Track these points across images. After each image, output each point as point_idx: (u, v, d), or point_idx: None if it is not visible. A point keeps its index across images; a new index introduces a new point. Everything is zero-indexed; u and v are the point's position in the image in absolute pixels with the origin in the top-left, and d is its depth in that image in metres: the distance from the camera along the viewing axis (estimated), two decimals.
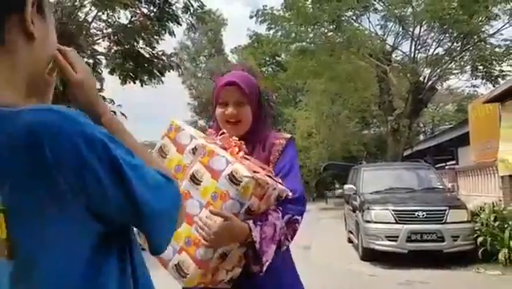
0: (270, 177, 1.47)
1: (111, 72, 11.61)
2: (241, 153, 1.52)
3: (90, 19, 10.92)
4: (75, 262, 0.74)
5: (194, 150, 1.48)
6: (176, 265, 1.40)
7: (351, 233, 9.64)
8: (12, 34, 0.78)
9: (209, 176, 1.41)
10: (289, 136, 1.75)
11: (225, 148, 1.51)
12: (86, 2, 10.49)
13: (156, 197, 0.79)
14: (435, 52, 17.32)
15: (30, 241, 0.72)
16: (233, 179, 1.36)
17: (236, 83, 1.65)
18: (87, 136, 0.72)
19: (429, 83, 16.86)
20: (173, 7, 10.97)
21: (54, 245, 0.72)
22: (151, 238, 0.83)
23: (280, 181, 1.52)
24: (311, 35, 17.56)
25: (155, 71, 11.17)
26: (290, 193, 1.52)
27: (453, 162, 16.00)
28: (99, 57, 11.37)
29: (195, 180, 1.44)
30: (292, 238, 1.54)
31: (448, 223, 7.51)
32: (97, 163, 0.72)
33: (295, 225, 1.55)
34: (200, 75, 34.16)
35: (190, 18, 11.60)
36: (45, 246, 0.72)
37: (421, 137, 28.57)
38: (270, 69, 32.80)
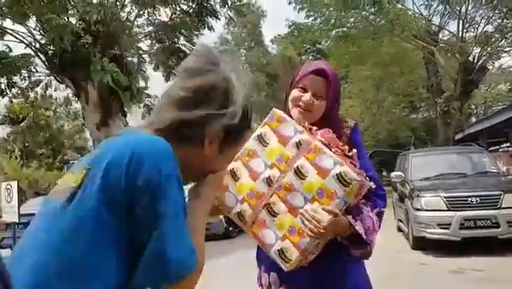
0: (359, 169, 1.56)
1: (155, 69, 11.87)
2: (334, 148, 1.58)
3: (132, 18, 11.19)
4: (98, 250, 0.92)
5: (299, 144, 1.53)
6: (279, 250, 1.52)
7: (401, 221, 9.41)
8: (195, 145, 1.08)
9: (315, 172, 1.50)
10: (354, 122, 1.79)
11: (326, 145, 1.56)
12: (127, 2, 10.75)
13: (176, 247, 0.94)
14: (484, 30, 16.53)
15: (86, 206, 0.92)
16: (341, 180, 1.47)
17: (325, 75, 1.67)
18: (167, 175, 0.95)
19: (479, 62, 16.11)
20: (211, 2, 11.05)
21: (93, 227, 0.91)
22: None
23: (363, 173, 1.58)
24: (352, 20, 17.17)
25: None
26: (374, 186, 1.59)
27: (508, 144, 15.25)
28: (143, 56, 11.66)
29: (300, 174, 1.51)
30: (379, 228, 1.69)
31: (503, 208, 7.16)
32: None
33: (382, 217, 1.68)
34: (240, 67, 34.22)
35: (229, 12, 11.65)
36: (90, 220, 0.92)
37: (473, 120, 27.40)
38: (310, 57, 32.36)
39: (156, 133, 1.03)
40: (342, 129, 1.72)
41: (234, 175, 1.55)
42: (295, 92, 1.68)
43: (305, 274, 1.62)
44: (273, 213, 1.53)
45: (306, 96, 1.66)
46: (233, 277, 6.34)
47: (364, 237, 1.56)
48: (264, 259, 1.73)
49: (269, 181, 1.54)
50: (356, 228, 1.55)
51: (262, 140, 1.57)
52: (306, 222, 1.49)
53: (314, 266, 1.59)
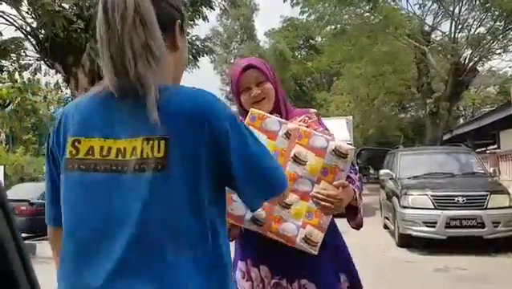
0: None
1: None
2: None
3: None
4: (195, 198, 1.00)
5: (288, 134, 1.60)
6: (304, 238, 1.56)
7: (387, 219, 9.50)
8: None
9: (313, 154, 1.57)
10: (314, 110, 1.88)
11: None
12: None
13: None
14: (476, 32, 16.65)
15: (178, 166, 0.98)
16: (339, 153, 1.56)
17: (252, 65, 1.76)
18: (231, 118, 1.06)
19: (470, 64, 16.24)
20: None
21: (187, 179, 0.98)
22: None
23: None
24: (346, 17, 17.19)
25: (189, 56, 11.23)
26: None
27: (495, 146, 15.43)
28: None
29: (299, 161, 1.57)
30: None
31: (488, 209, 7.27)
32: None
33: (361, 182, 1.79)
34: (232, 60, 34.06)
35: (223, 2, 11.57)
36: (183, 175, 0.98)
37: (461, 121, 27.66)
38: (303, 52, 32.36)
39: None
40: (309, 115, 1.80)
41: None
42: (244, 96, 1.76)
43: (295, 263, 1.65)
44: (286, 206, 1.57)
45: (254, 91, 1.73)
46: None
47: (360, 206, 1.69)
48: (250, 254, 1.74)
49: None
50: (356, 195, 1.66)
51: None
52: (324, 202, 1.55)
53: (302, 257, 1.63)
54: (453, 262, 6.55)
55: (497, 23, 15.93)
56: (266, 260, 1.70)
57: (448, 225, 7.30)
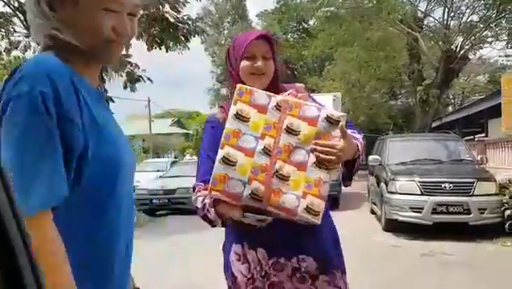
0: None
1: (138, 37, 11.54)
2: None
3: None
4: None
5: (278, 106, 1.58)
6: (305, 208, 1.53)
7: (375, 204, 9.58)
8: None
9: (306, 124, 1.56)
10: (302, 85, 1.89)
11: None
12: None
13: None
14: (469, 19, 16.66)
15: None
16: (331, 120, 1.55)
17: (266, 36, 1.75)
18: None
19: (462, 51, 16.28)
20: None
21: None
22: None
23: None
24: (340, 0, 17.07)
25: (180, 36, 11.06)
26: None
27: (483, 135, 15.60)
28: None
29: (293, 131, 1.56)
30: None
31: (475, 195, 7.35)
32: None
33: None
34: (223, 42, 33.69)
35: None
36: None
37: (450, 109, 27.85)
38: (295, 36, 32.10)
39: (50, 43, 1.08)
40: (299, 90, 1.78)
41: (229, 161, 1.54)
42: (245, 63, 1.73)
43: (292, 243, 1.68)
44: (284, 178, 1.54)
45: (259, 63, 1.71)
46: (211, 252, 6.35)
47: (360, 160, 1.68)
48: (246, 237, 1.74)
49: (266, 151, 1.56)
50: (359, 148, 1.66)
51: (241, 117, 1.58)
52: (323, 155, 1.53)
53: (298, 235, 1.67)
54: (439, 247, 6.65)
55: (490, 11, 15.94)
56: (263, 243, 1.71)
57: (434, 211, 7.38)
